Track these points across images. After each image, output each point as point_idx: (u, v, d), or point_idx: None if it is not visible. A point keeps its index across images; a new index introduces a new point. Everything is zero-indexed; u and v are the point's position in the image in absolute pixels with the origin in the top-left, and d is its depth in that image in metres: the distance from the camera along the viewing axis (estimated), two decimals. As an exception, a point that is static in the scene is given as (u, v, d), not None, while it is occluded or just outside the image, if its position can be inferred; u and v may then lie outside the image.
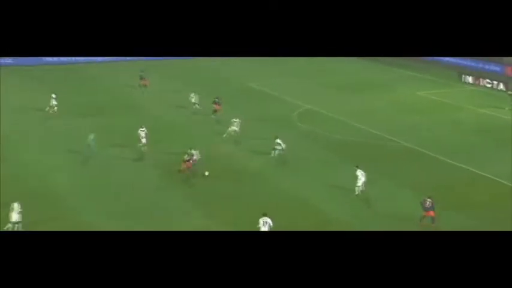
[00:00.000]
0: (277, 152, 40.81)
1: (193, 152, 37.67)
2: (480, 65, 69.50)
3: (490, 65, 68.84)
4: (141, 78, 60.20)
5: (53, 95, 51.75)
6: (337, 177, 38.53)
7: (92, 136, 41.10)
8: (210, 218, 32.52)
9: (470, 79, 65.20)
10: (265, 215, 29.50)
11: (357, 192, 35.31)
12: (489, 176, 39.20)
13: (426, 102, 57.88)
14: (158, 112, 52.51)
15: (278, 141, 40.94)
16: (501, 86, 62.40)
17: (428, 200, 32.49)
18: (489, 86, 63.35)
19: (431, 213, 32.26)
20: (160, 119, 49.84)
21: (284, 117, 51.93)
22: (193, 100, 52.71)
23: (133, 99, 57.19)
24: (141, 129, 42.27)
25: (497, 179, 38.65)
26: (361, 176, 35.49)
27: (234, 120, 45.53)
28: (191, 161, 37.19)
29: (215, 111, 49.96)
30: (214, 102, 50.42)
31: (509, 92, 55.05)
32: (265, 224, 29.20)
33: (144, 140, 41.69)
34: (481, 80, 64.28)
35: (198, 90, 54.15)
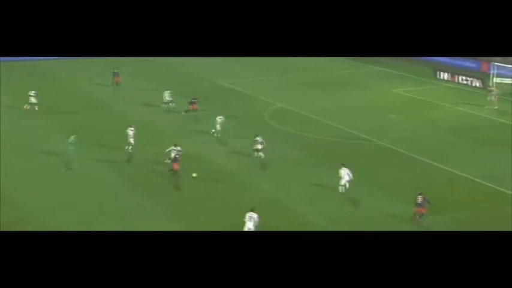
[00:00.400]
0: (258, 152, 40.21)
1: (178, 148, 37.69)
2: (456, 62, 68.91)
3: (466, 61, 68.26)
4: (114, 75, 59.92)
5: (32, 93, 51.17)
6: (311, 177, 37.93)
7: (72, 137, 40.29)
8: (178, 219, 31.89)
9: (446, 76, 64.55)
10: (252, 210, 29.88)
11: (340, 190, 35.22)
12: (466, 175, 38.49)
13: (402, 99, 57.19)
14: (133, 111, 51.66)
15: (258, 139, 40.32)
16: (477, 83, 61.65)
17: (420, 196, 32.49)
18: (465, 82, 62.67)
19: (422, 210, 32.30)
20: (136, 118, 48.23)
21: (256, 116, 51.05)
22: (167, 98, 52.15)
23: (107, 97, 56.63)
24: (130, 128, 41.79)
25: (475, 179, 37.99)
26: (344, 175, 35.33)
27: (219, 117, 45.19)
28: (178, 157, 37.20)
29: (188, 110, 50.05)
30: (191, 103, 50.29)
31: (489, 89, 54.32)
32: (250, 219, 29.68)
33: (132, 140, 41.28)
34: (456, 76, 63.54)
35: (172, 89, 53.62)
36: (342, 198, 35.01)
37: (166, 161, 38.45)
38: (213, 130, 45.29)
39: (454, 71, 64.80)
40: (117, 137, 43.24)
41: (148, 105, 53.22)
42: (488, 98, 54.50)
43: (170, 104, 52.00)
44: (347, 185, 35.35)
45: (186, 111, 49.88)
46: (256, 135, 40.87)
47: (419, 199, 32.52)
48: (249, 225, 29.86)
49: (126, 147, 41.35)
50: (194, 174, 36.73)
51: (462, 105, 54.83)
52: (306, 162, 40.56)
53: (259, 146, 40.30)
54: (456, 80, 63.44)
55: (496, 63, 60.10)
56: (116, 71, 60.38)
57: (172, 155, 37.74)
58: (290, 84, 62.72)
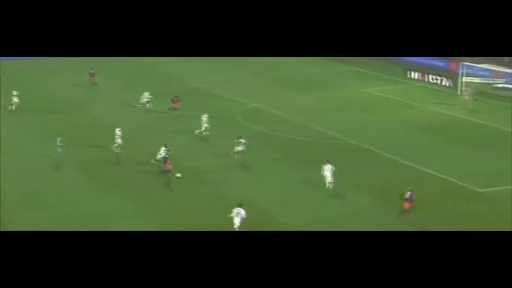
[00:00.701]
0: (239, 154, 40.13)
1: (167, 148, 37.71)
2: (426, 61, 69.53)
3: (435, 60, 68.90)
4: (91, 75, 59.69)
5: (15, 92, 51.15)
6: (285, 177, 38.08)
7: (59, 139, 40.06)
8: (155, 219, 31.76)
9: (416, 75, 65.14)
10: (239, 205, 30.17)
11: (327, 186, 35.85)
12: (438, 174, 38.90)
13: (374, 99, 57.65)
14: (114, 111, 51.57)
15: (242, 140, 40.25)
16: (447, 82, 62.39)
17: (409, 192, 32.96)
18: (435, 81, 63.37)
19: (407, 204, 32.74)
20: (118, 118, 47.73)
21: (228, 116, 50.96)
22: (144, 99, 52.04)
23: (86, 98, 56.49)
24: (118, 128, 41.78)
25: (447, 178, 38.38)
26: (326, 172, 35.96)
27: (204, 116, 45.26)
28: (168, 157, 37.25)
29: (172, 108, 50.19)
30: (173, 101, 50.47)
31: (463, 89, 54.87)
32: (238, 215, 29.97)
33: (119, 140, 41.25)
34: (427, 76, 64.20)
35: (149, 89, 53.53)
36: (315, 198, 35.19)
37: (153, 162, 38.21)
38: (198, 130, 45.23)
39: (424, 71, 65.49)
40: (98, 138, 43.24)
41: (129, 105, 53.11)
42: (462, 98, 54.93)
43: (147, 105, 51.85)
44: (330, 179, 35.88)
45: (171, 110, 49.94)
46: (240, 137, 40.58)
47: (408, 194, 33.00)
48: (236, 221, 30.03)
49: (113, 145, 41.24)
50: (178, 175, 36.66)
51: (433, 105, 55.41)
52: (279, 162, 40.65)
53: (240, 148, 40.13)
54: (426, 79, 64.15)
55: (464, 63, 60.78)
56: (92, 71, 60.02)
57: (162, 155, 37.66)
58: (263, 84, 62.87)
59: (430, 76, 64.02)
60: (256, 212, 33.01)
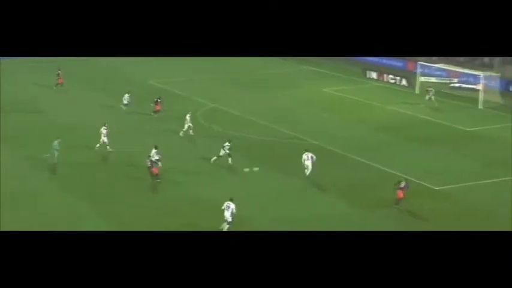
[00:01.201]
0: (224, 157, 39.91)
1: (154, 151, 37.44)
2: (383, 61, 70.36)
3: (393, 60, 69.77)
4: (57, 76, 59.50)
5: None
6: (249, 178, 38.40)
7: (56, 142, 39.62)
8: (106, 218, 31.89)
9: (374, 75, 65.89)
10: (231, 200, 30.95)
11: (306, 174, 37.10)
12: (396, 173, 39.49)
13: (333, 99, 58.22)
14: (88, 113, 51.58)
15: (227, 144, 40.03)
16: (404, 82, 63.28)
17: (403, 182, 34.53)
18: (393, 81, 64.20)
19: (401, 193, 34.18)
20: (94, 120, 47.27)
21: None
22: (125, 101, 52.05)
23: (54, 99, 56.27)
24: (104, 127, 41.70)
25: (406, 176, 38.91)
26: (306, 161, 37.13)
27: (188, 116, 45.47)
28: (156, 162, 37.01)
29: (155, 111, 49.86)
30: (155, 102, 50.35)
31: (427, 89, 55.61)
32: (228, 208, 30.70)
33: (105, 139, 41.21)
34: (384, 75, 64.99)
35: (131, 91, 53.36)
36: (280, 198, 35.54)
37: (148, 165, 37.77)
38: (183, 130, 45.51)
39: (381, 70, 66.28)
40: (79, 138, 43.71)
41: (104, 106, 53.15)
42: (427, 97, 55.60)
43: (125, 107, 51.89)
44: (310, 167, 37.10)
45: (155, 112, 49.95)
46: (230, 140, 40.42)
47: (403, 184, 34.45)
48: (226, 215, 30.56)
49: (97, 145, 41.38)
50: (247, 169, 38.07)
51: (391, 104, 56.17)
52: (242, 163, 40.80)
53: (222, 153, 39.80)
54: (384, 79, 64.95)
55: (421, 63, 61.72)
56: (59, 71, 59.54)
57: (155, 158, 37.38)
58: (222, 84, 63.00)
59: (388, 76, 64.83)
60: (217, 212, 33.26)
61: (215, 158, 39.95)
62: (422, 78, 60.38)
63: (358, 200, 35.35)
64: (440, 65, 61.65)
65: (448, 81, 60.18)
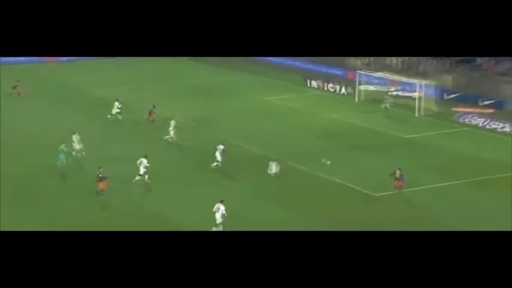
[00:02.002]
0: (214, 164, 41.01)
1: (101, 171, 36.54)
2: (323, 69, 71.31)
3: (334, 69, 70.77)
4: (16, 86, 59.10)
5: None
6: (192, 186, 38.69)
7: (62, 145, 40.03)
8: None
9: (315, 83, 66.65)
10: (221, 201, 31.92)
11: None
12: (337, 180, 40.29)
13: (275, 107, 58.66)
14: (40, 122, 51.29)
15: (221, 147, 41.19)
16: (344, 90, 64.22)
17: (398, 171, 36.97)
18: (333, 90, 65.07)
19: (401, 183, 36.97)
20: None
21: (132, 124, 50.76)
22: (116, 109, 51.63)
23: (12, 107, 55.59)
24: (76, 135, 41.79)
25: (348, 184, 39.72)
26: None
27: (172, 122, 46.33)
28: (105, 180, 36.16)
29: (149, 119, 49.99)
30: (150, 112, 50.27)
31: (384, 97, 56.52)
32: (218, 210, 31.66)
33: (78, 146, 40.99)
34: (325, 84, 65.84)
35: (121, 99, 53.12)
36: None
37: (137, 179, 38.01)
38: (167, 136, 46.22)
39: (322, 79, 67.10)
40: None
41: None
42: (383, 106, 56.49)
43: (119, 116, 51.50)
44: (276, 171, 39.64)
45: (149, 122, 49.68)
46: (223, 143, 41.51)
47: (398, 174, 36.82)
48: (217, 217, 31.41)
49: (74, 153, 41.26)
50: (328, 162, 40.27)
51: (332, 112, 56.95)
52: (185, 171, 41.13)
53: (220, 158, 40.77)
54: (325, 87, 65.77)
55: (360, 72, 62.93)
56: (18, 83, 59.15)
57: (141, 167, 37.90)
58: (163, 93, 62.76)
59: (329, 84, 65.71)
60: (163, 222, 33.47)
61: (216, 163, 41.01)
62: (362, 87, 61.49)
63: (301, 209, 35.84)
64: (380, 74, 63.01)
65: (386, 90, 61.34)
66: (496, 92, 60.32)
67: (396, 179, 37.02)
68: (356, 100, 60.91)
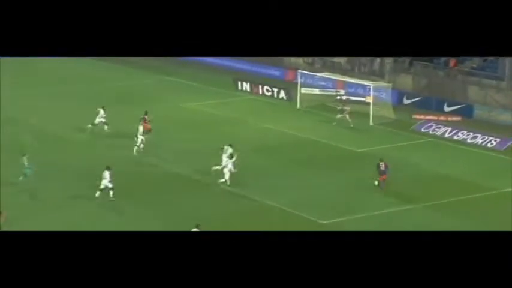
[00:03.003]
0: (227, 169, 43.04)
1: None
2: (257, 69, 71.40)
3: (270, 68, 70.98)
4: None
5: None
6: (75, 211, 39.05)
7: (24, 158, 41.75)
8: None
9: (247, 86, 66.64)
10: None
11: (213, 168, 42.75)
12: (276, 204, 40.52)
13: (195, 115, 58.27)
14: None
15: (228, 148, 43.83)
16: (282, 94, 64.34)
17: (382, 163, 41.63)
18: (269, 94, 65.11)
19: (385, 176, 41.50)
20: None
21: (14, 141, 50.09)
22: (100, 119, 52.24)
23: None
24: (24, 156, 42.43)
25: (288, 210, 39.96)
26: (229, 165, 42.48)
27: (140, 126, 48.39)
28: None
29: (148, 130, 50.14)
30: (144, 121, 50.30)
31: (342, 107, 56.82)
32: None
33: (28, 171, 42.07)
34: (260, 87, 65.87)
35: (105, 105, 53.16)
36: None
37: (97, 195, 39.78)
38: (136, 147, 48.16)
39: (256, 81, 67.18)
40: None
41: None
42: (339, 116, 56.52)
43: (105, 127, 51.96)
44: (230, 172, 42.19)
45: (146, 132, 50.07)
46: (230, 145, 43.92)
47: (382, 166, 41.15)
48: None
49: (21, 177, 41.90)
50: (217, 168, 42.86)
51: (268, 121, 57.21)
52: (78, 195, 40.91)
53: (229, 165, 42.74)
54: (259, 91, 65.73)
55: (302, 71, 63.15)
56: None
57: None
58: (60, 98, 62.20)
59: (264, 87, 65.70)
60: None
61: (217, 167, 43.14)
62: (304, 90, 61.61)
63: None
64: (325, 74, 63.40)
65: (334, 93, 61.69)
66: (464, 96, 61.58)
67: (381, 172, 40.98)
68: (298, 106, 61.28)
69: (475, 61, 63.17)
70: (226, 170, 42.83)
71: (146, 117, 50.84)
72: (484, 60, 62.55)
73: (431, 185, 44.45)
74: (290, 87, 64.19)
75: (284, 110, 61.01)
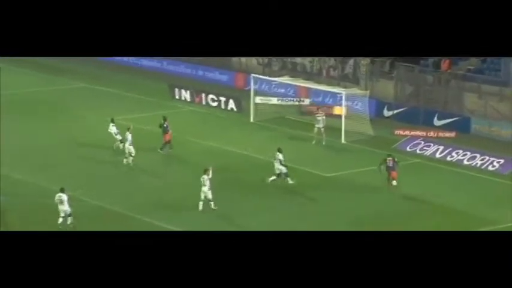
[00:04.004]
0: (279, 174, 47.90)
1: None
2: (199, 73, 71.38)
3: (215, 71, 70.98)
4: None
5: None
6: None
7: None
8: None
9: (187, 95, 66.48)
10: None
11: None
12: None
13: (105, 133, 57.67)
14: None
15: (279, 155, 47.97)
16: (232, 104, 64.14)
17: (389, 158, 46.18)
18: (214, 104, 64.97)
19: (394, 173, 46.03)
20: None
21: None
22: (116, 135, 54.09)
23: None
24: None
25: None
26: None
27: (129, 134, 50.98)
28: None
29: (165, 142, 53.18)
30: (164, 130, 53.20)
31: (317, 116, 56.77)
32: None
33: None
34: (203, 95, 65.70)
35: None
36: None
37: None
38: (125, 160, 51.38)
39: (198, 88, 67.01)
40: None
41: None
42: (316, 128, 56.77)
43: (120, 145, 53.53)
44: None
45: (165, 145, 53.06)
46: (280, 149, 48.05)
47: (390, 162, 45.53)
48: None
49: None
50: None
51: (214, 139, 57.20)
52: None
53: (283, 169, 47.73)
54: (202, 100, 65.55)
55: (255, 75, 62.96)
56: None
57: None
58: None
59: (208, 96, 65.49)
60: None
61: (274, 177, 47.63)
62: (259, 99, 61.69)
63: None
64: (284, 79, 63.25)
65: (296, 103, 61.69)
66: (459, 106, 61.70)
67: (389, 168, 45.48)
68: (251, 119, 61.30)
69: (472, 62, 63.21)
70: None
71: (167, 124, 53.01)
72: (483, 61, 62.62)
73: (417, 219, 44.13)
74: (241, 96, 64.55)
75: (234, 125, 61.10)
